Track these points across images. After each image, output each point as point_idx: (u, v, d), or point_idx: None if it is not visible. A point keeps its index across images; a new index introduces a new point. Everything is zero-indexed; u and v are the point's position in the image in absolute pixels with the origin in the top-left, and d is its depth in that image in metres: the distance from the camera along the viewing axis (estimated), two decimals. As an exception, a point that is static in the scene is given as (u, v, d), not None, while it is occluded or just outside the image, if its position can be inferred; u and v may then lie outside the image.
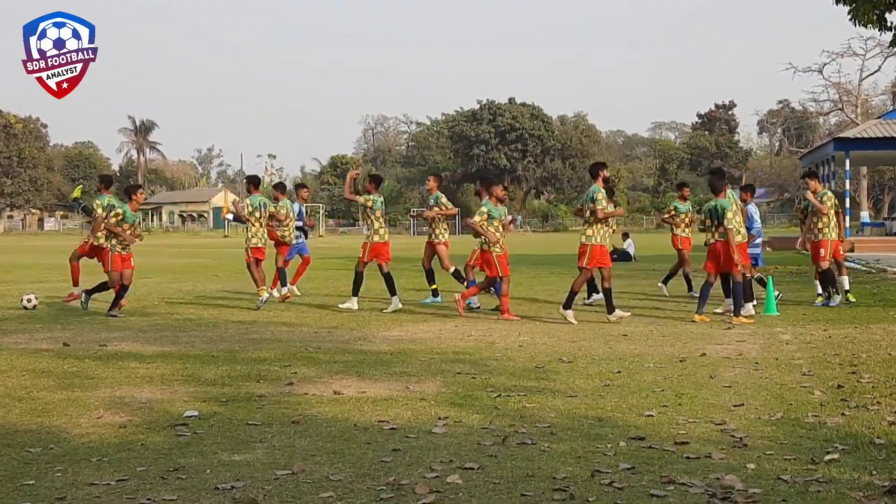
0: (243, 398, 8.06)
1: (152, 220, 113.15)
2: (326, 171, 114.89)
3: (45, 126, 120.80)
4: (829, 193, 15.90)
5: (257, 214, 16.21)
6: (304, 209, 18.77)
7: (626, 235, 33.58)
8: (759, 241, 16.25)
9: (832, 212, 15.50)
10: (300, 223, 18.22)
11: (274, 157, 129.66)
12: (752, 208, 15.97)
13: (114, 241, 15.20)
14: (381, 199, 15.94)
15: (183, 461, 6.02)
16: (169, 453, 6.23)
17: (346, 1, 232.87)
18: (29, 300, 15.71)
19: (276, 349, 11.01)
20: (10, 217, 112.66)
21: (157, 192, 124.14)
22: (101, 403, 7.86)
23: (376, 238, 15.59)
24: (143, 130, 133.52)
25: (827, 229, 15.45)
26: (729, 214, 13.66)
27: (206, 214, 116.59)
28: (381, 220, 15.81)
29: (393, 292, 15.53)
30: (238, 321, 14.07)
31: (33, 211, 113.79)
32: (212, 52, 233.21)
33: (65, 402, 7.91)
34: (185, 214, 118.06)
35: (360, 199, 16.01)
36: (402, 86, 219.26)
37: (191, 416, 7.31)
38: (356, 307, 15.39)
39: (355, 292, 15.63)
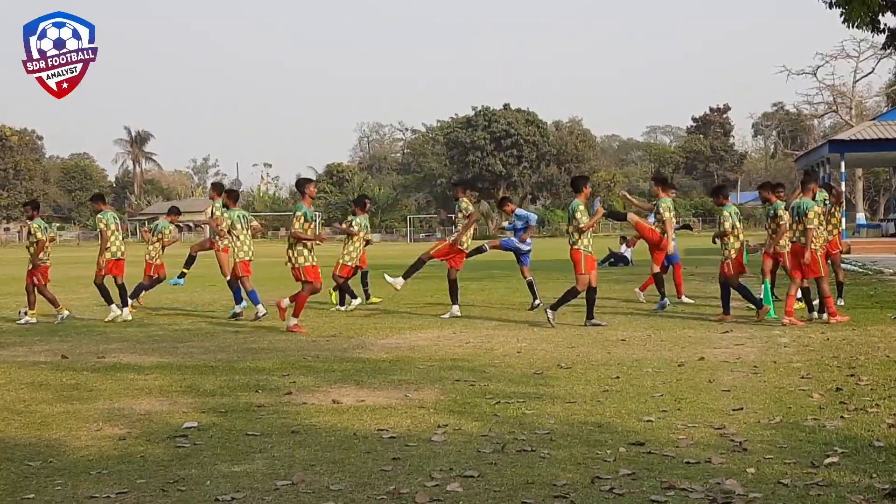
0: (242, 408, 8.05)
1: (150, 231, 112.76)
2: (322, 179, 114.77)
3: (41, 138, 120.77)
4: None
5: (239, 227, 16.06)
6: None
7: (623, 239, 33.59)
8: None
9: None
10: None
11: (270, 165, 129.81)
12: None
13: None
14: (365, 219, 17.16)
15: (183, 473, 6.01)
16: (169, 465, 6.22)
17: (340, 10, 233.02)
18: (27, 312, 15.70)
19: (274, 359, 11.00)
20: (7, 229, 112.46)
21: (153, 202, 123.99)
22: (100, 416, 7.86)
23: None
24: (138, 141, 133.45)
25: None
26: (811, 214, 13.77)
27: (202, 225, 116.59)
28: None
29: (353, 295, 16.82)
30: (236, 331, 14.06)
31: (29, 223, 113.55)
32: (207, 62, 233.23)
33: (64, 415, 7.90)
34: (181, 225, 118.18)
35: (353, 230, 16.88)
36: (398, 93, 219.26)
37: (190, 428, 7.30)
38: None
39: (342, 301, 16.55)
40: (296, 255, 13.78)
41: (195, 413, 7.89)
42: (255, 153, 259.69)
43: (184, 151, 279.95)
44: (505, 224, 17.55)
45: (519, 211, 16.98)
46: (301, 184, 14.46)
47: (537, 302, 16.23)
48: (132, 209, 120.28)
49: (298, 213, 13.78)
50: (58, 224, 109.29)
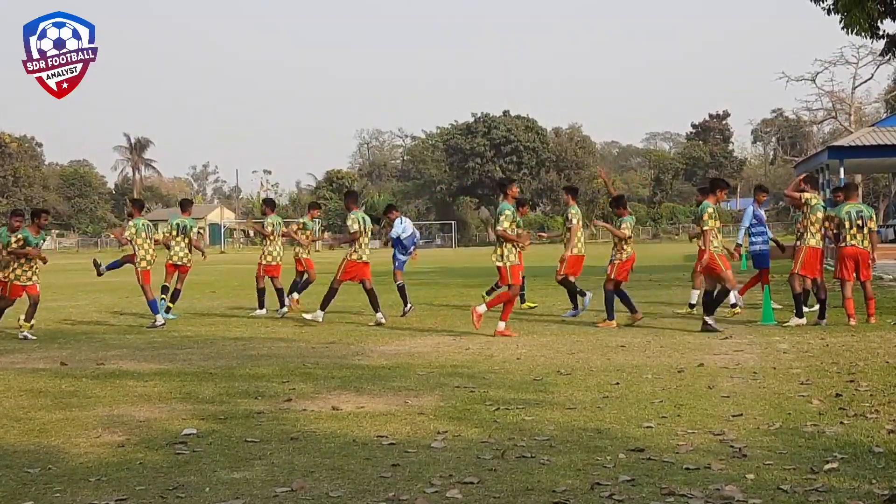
0: (241, 415, 8.05)
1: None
2: (322, 185, 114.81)
3: (40, 145, 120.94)
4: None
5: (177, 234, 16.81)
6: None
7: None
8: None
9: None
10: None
11: (269, 172, 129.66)
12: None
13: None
14: (362, 216, 16.66)
15: (182, 479, 6.01)
16: (168, 472, 6.22)
17: (340, 16, 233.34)
18: (22, 324, 15.65)
19: (273, 365, 10.99)
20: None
21: (152, 209, 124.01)
22: (99, 422, 7.85)
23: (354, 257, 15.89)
24: (138, 148, 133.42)
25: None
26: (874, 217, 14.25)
27: (201, 231, 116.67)
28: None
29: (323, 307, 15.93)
30: (235, 338, 14.05)
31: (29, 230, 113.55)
32: (207, 69, 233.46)
33: (63, 422, 7.90)
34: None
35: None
36: (397, 100, 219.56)
37: (189, 434, 7.30)
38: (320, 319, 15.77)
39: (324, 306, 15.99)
40: (505, 253, 13.84)
41: (194, 420, 7.89)
42: (255, 160, 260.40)
43: (183, 158, 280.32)
44: (392, 233, 17.86)
45: (398, 223, 17.37)
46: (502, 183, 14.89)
47: (409, 307, 16.87)
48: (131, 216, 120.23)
49: (504, 215, 13.77)
50: (57, 231, 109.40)
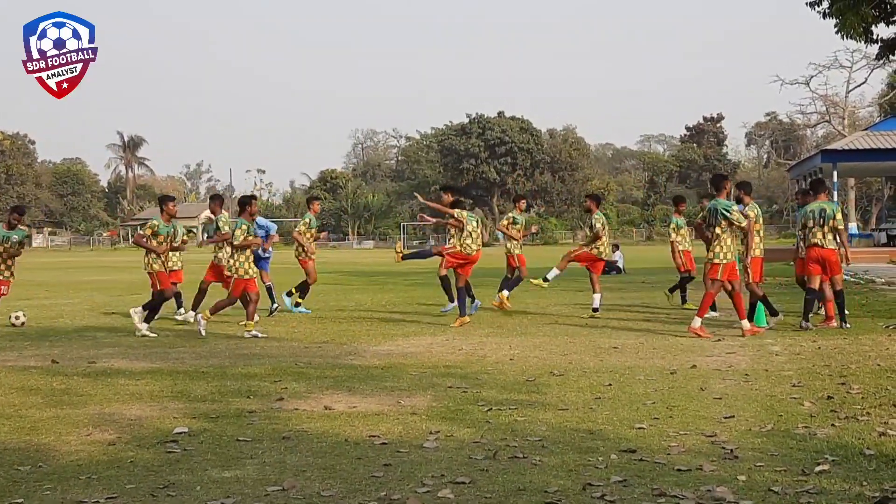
0: (233, 414, 8.03)
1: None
2: (316, 185, 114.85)
3: (33, 143, 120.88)
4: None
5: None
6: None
7: (615, 247, 33.61)
8: None
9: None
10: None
11: (263, 172, 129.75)
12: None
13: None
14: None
15: (173, 478, 5.99)
16: (159, 470, 6.20)
17: (334, 16, 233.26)
18: (17, 317, 15.68)
19: (266, 364, 10.98)
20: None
21: (145, 208, 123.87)
22: (90, 421, 7.83)
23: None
24: (131, 146, 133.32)
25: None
26: (839, 216, 14.19)
27: (194, 230, 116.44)
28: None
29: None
30: (227, 336, 14.03)
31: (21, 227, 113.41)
32: (200, 68, 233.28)
33: (54, 420, 7.88)
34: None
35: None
36: (392, 100, 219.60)
37: (180, 433, 7.28)
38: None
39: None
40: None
41: (186, 418, 7.87)
42: (249, 159, 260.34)
43: (177, 157, 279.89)
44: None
45: (260, 220, 17.13)
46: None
47: (275, 306, 17.02)
48: (124, 214, 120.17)
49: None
50: (49, 229, 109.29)
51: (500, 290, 17.74)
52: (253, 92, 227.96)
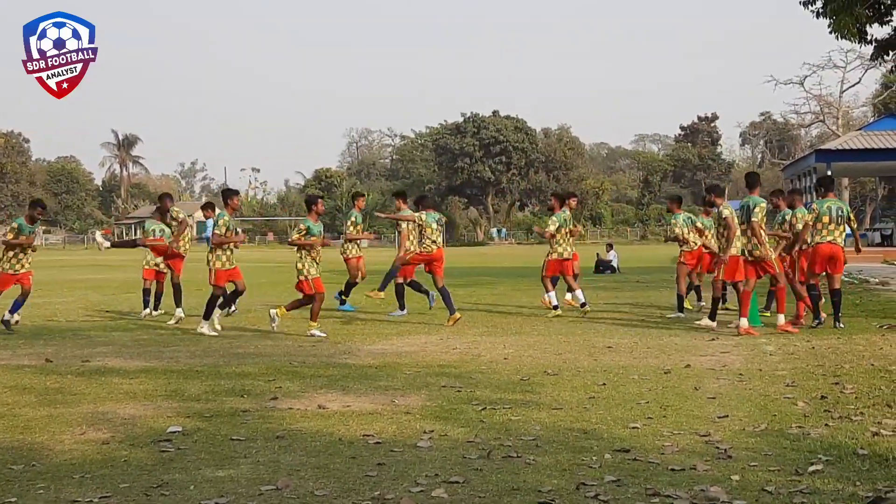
0: (227, 413, 8.03)
1: (135, 235, 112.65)
2: (311, 184, 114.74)
3: (27, 141, 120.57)
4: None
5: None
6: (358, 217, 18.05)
7: (609, 247, 33.64)
8: None
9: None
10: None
11: (258, 170, 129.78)
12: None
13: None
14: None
15: (166, 477, 5.99)
16: (152, 469, 6.20)
17: (331, 16, 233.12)
18: (11, 315, 15.62)
19: (260, 363, 10.97)
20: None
21: (139, 206, 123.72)
22: (83, 420, 7.82)
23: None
24: (125, 145, 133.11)
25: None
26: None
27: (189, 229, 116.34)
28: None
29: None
30: (221, 336, 14.02)
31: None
32: (195, 66, 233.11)
33: (47, 419, 7.86)
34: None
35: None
36: (387, 99, 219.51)
37: (174, 432, 7.28)
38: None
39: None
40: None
41: (180, 417, 7.86)
42: (243, 158, 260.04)
43: (171, 155, 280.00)
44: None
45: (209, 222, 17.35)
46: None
47: (179, 310, 16.45)
48: (119, 213, 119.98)
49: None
50: (43, 228, 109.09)
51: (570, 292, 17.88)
52: (248, 91, 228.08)
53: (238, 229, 14.92)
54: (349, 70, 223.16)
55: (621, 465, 6.13)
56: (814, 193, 39.48)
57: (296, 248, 14.25)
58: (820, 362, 10.57)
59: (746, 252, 13.79)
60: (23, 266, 14.99)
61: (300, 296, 14.31)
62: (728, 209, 14.22)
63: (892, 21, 21.78)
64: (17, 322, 15.47)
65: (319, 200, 14.90)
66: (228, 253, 14.63)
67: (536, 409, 8.07)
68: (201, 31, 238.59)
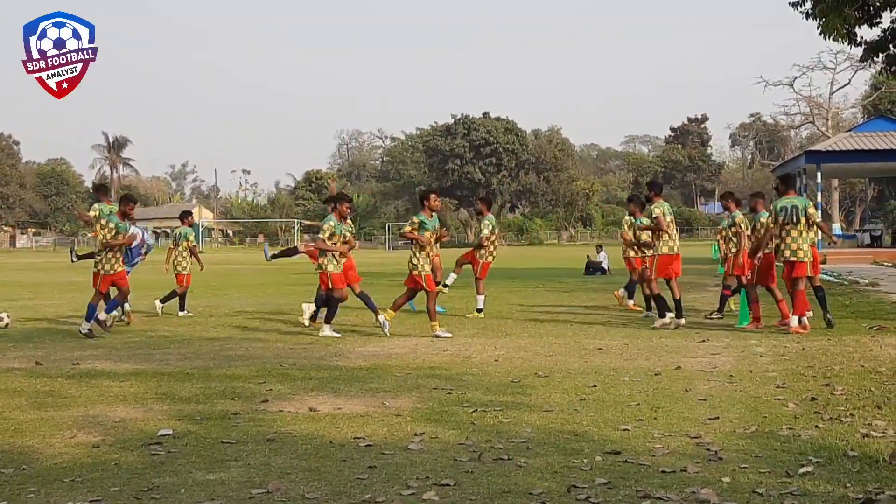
0: (218, 416, 8.01)
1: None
2: (301, 186, 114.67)
3: (17, 143, 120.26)
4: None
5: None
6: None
7: (599, 248, 33.66)
8: None
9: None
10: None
11: (248, 172, 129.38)
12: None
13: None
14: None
15: (157, 481, 5.97)
16: (143, 473, 6.18)
17: (320, 17, 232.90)
18: (0, 318, 15.59)
19: (250, 366, 10.95)
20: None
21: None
22: (74, 423, 7.80)
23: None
24: (116, 147, 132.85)
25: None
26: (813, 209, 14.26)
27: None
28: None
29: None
30: (212, 338, 13.99)
31: (5, 228, 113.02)
32: (186, 68, 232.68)
33: (37, 422, 7.84)
34: (158, 231, 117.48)
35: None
36: (377, 100, 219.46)
37: (165, 435, 7.26)
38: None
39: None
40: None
41: (170, 420, 7.85)
42: (234, 159, 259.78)
43: (162, 157, 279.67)
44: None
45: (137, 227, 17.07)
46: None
47: (117, 313, 16.23)
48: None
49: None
50: (33, 230, 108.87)
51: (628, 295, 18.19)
52: (238, 93, 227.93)
53: (347, 234, 14.68)
54: (339, 72, 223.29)
55: (612, 467, 6.13)
56: (804, 194, 39.59)
57: (412, 244, 14.27)
58: (810, 364, 10.60)
59: (790, 252, 13.83)
60: (117, 266, 14.71)
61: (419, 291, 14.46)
62: (660, 208, 14.51)
63: (881, 22, 21.87)
64: (122, 320, 15.81)
65: (432, 195, 14.95)
66: (338, 255, 14.40)
67: (527, 411, 8.07)
68: (190, 33, 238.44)
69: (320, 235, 14.24)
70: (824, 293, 14.50)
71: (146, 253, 17.16)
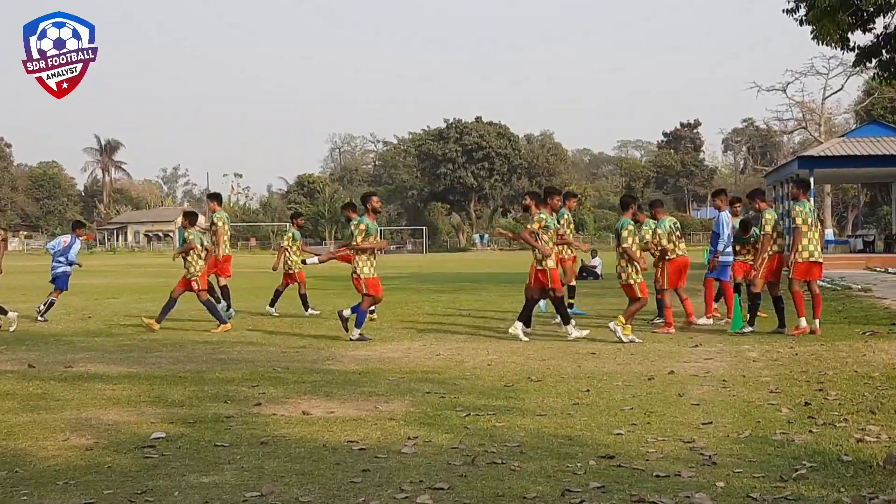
0: (211, 419, 8.00)
1: (117, 240, 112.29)
2: (293, 189, 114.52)
3: (9, 146, 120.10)
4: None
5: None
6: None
7: (594, 253, 33.64)
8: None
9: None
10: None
11: (240, 175, 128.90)
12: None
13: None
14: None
15: (150, 484, 5.96)
16: (136, 476, 6.17)
17: (311, 21, 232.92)
18: (11, 321, 15.58)
19: (243, 369, 10.94)
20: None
21: (122, 211, 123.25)
22: (67, 426, 7.78)
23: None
24: (108, 150, 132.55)
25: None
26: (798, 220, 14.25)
27: (171, 234, 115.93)
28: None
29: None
30: (205, 341, 13.98)
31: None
32: (178, 71, 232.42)
33: (30, 425, 7.82)
34: (150, 234, 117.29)
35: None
36: (369, 104, 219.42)
37: (158, 438, 7.25)
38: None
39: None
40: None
41: (163, 423, 7.83)
42: (226, 163, 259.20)
43: (154, 161, 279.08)
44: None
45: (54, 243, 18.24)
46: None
47: (42, 318, 17.20)
48: (101, 218, 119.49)
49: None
50: (25, 233, 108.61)
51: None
52: (230, 96, 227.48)
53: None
54: (332, 75, 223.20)
55: (606, 472, 6.13)
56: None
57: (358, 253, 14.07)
58: (804, 369, 10.61)
59: (808, 254, 14.13)
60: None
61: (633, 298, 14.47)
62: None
63: (874, 28, 21.89)
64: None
65: (556, 196, 15.15)
66: (373, 258, 14.24)
67: (521, 415, 8.07)
68: (182, 37, 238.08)
69: (356, 237, 14.00)
70: (783, 303, 14.70)
71: None
